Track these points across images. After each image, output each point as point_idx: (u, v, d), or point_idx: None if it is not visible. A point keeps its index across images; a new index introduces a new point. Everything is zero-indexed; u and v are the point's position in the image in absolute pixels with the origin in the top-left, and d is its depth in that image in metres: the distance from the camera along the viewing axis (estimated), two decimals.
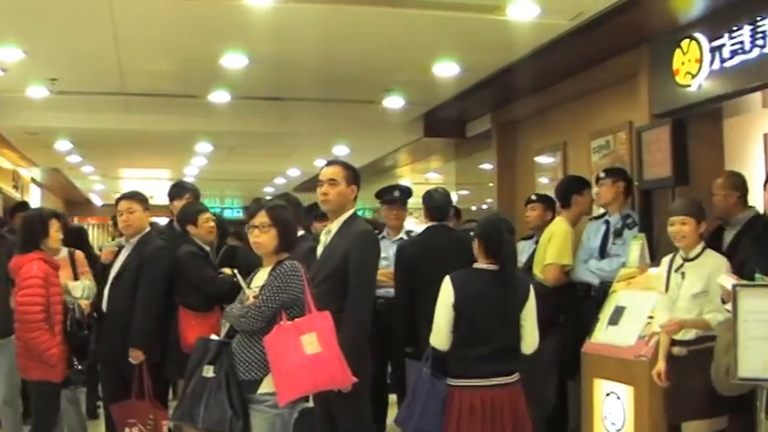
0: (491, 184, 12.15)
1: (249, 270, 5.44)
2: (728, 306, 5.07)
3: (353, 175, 6.16)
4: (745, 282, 4.82)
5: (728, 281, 5.06)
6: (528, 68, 9.01)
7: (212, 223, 7.47)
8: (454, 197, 16.04)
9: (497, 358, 5.41)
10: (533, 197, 8.86)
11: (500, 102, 11.21)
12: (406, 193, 8.28)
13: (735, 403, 5.27)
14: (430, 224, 7.52)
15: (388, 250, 8.07)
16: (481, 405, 5.32)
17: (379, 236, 8.17)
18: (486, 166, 13.16)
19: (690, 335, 5.76)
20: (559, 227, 7.99)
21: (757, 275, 5.00)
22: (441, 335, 5.48)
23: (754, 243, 5.52)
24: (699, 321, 5.62)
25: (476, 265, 5.61)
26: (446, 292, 5.48)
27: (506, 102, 11.10)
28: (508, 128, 11.65)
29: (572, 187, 8.17)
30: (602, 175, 7.89)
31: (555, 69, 9.20)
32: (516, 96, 10.68)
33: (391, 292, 7.66)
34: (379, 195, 8.28)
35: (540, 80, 9.70)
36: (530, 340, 5.52)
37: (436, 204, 7.56)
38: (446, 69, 9.34)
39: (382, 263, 7.91)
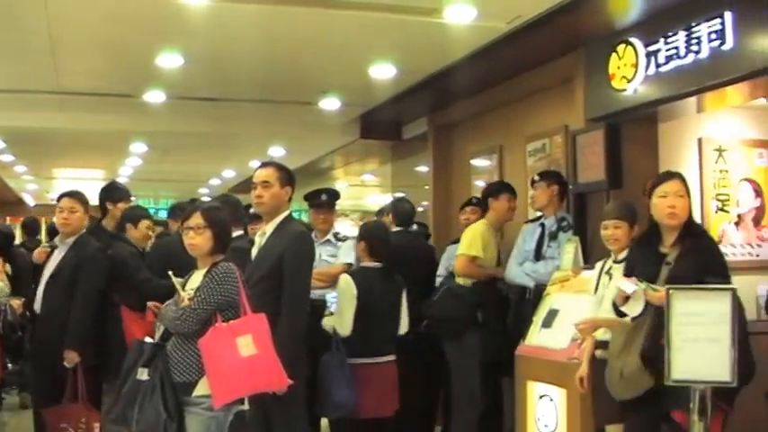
0: (427, 187, 12.15)
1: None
2: (627, 310, 5.13)
3: (287, 177, 6.12)
4: (678, 285, 4.83)
5: (629, 286, 5.09)
6: (465, 71, 9.00)
7: (150, 231, 7.46)
8: (389, 199, 16.08)
9: (388, 341, 7.03)
10: (474, 200, 8.94)
11: (437, 104, 11.20)
12: (334, 196, 8.34)
13: (628, 406, 5.31)
14: (396, 229, 8.63)
15: (317, 251, 8.07)
16: (377, 378, 6.82)
17: None
18: (422, 169, 13.17)
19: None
20: (474, 225, 8.15)
21: (641, 283, 5.06)
22: (347, 323, 6.81)
23: (638, 248, 5.58)
24: (614, 321, 5.56)
25: (363, 264, 7.10)
26: (349, 288, 6.90)
27: (443, 104, 11.09)
28: (444, 130, 11.65)
29: (490, 191, 8.30)
30: (536, 178, 7.93)
31: (492, 72, 9.20)
32: (453, 99, 10.67)
33: (317, 293, 7.70)
34: (307, 199, 8.34)
35: (476, 83, 9.70)
36: (402, 324, 7.15)
37: (404, 212, 8.88)
38: (383, 71, 9.31)
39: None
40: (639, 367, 5.09)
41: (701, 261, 5.06)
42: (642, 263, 5.28)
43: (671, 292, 4.72)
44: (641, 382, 5.09)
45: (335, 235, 8.29)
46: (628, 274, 5.26)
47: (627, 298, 5.08)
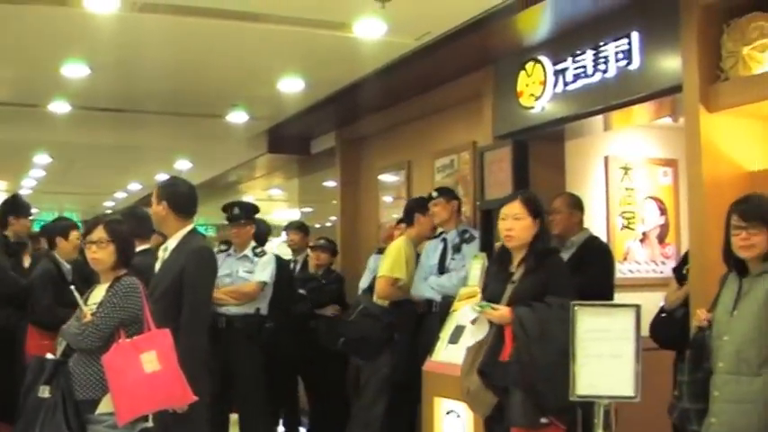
0: (335, 202, 12.10)
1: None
2: (473, 336, 5.21)
3: (164, 193, 6.06)
4: (583, 301, 4.86)
5: (469, 314, 5.22)
6: (374, 86, 8.98)
7: (78, 242, 7.30)
8: (297, 214, 16.01)
9: None
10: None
11: (345, 119, 11.17)
12: (247, 210, 8.21)
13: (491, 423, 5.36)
14: None
15: (233, 267, 7.96)
16: None
17: (226, 252, 8.08)
18: (330, 184, 13.12)
19: None
20: (396, 242, 8.03)
21: (481, 305, 5.17)
22: None
23: (491, 267, 5.74)
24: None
25: None
26: None
27: (351, 119, 11.06)
28: (352, 145, 11.62)
29: (416, 206, 8.20)
30: (435, 194, 7.89)
31: (401, 88, 9.20)
32: (361, 114, 10.65)
33: (232, 310, 7.60)
34: (223, 211, 8.22)
35: (385, 98, 9.69)
36: None
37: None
38: (291, 85, 9.25)
39: (226, 280, 7.83)
40: (480, 385, 5.21)
41: (542, 280, 5.16)
42: (493, 282, 5.41)
43: (576, 308, 4.75)
44: (485, 399, 5.22)
45: (254, 250, 8.18)
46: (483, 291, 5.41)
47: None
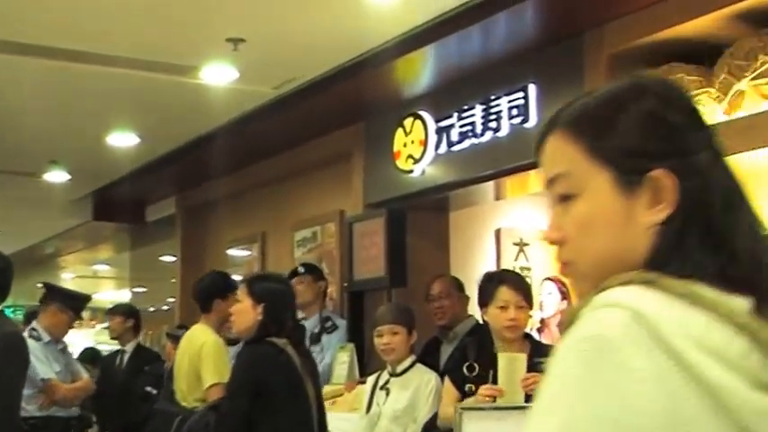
0: (173, 281, 11.94)
1: None
2: None
3: None
4: (469, 405, 4.81)
5: None
6: (222, 143, 8.91)
7: None
8: (127, 295, 15.77)
9: None
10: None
11: (187, 181, 11.08)
12: (54, 292, 8.15)
13: None
14: None
15: (59, 359, 7.86)
16: None
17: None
18: (169, 259, 13.00)
19: None
20: (208, 337, 7.58)
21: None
22: None
23: None
24: None
25: None
26: None
27: (195, 182, 10.97)
28: (196, 213, 11.53)
29: (215, 289, 7.81)
30: (301, 270, 7.82)
31: (255, 146, 9.15)
32: (207, 176, 10.55)
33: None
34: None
35: (236, 157, 9.60)
36: None
37: None
38: (123, 139, 9.14)
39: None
40: None
41: None
42: None
43: (461, 412, 4.68)
44: None
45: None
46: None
47: None
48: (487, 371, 4.94)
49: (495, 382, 4.81)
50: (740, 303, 1.41)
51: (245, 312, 5.32)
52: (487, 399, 4.70)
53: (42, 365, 7.69)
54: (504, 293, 5.14)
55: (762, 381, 1.35)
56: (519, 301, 5.17)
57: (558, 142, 1.60)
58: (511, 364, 4.78)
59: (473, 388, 4.95)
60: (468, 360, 5.19)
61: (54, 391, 7.76)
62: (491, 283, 5.25)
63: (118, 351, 9.70)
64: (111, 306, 10.31)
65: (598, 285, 1.46)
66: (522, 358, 4.86)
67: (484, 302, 5.20)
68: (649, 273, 1.44)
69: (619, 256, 1.52)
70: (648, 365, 1.32)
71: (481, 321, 5.59)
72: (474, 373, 5.08)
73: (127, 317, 9.76)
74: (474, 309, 7.03)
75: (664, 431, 1.30)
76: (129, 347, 9.67)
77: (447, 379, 5.31)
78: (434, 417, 5.37)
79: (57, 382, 7.73)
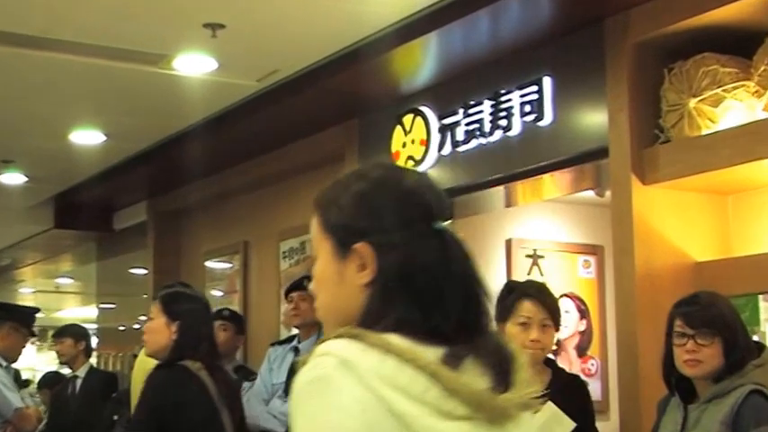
0: (145, 296, 11.92)
1: None
2: None
3: None
4: None
5: None
6: (200, 142, 8.91)
7: None
8: (93, 312, 15.77)
9: None
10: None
11: (160, 185, 11.09)
12: (6, 310, 8.28)
13: None
14: None
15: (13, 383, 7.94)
16: None
17: None
18: (140, 271, 12.99)
19: None
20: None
21: None
22: None
23: None
24: None
25: None
26: None
27: (169, 186, 10.97)
28: (170, 220, 11.54)
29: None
30: (305, 283, 7.80)
31: (236, 145, 9.15)
32: (183, 179, 10.54)
33: None
34: None
35: (215, 158, 9.60)
36: None
37: None
38: (87, 137, 9.14)
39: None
40: None
41: None
42: None
43: None
44: None
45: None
46: None
47: None
48: None
49: None
50: (431, 351, 2.02)
51: (158, 331, 5.31)
52: None
53: (12, 393, 7.73)
54: (527, 308, 5.02)
55: (442, 409, 1.97)
56: (544, 318, 5.03)
57: (312, 213, 2.28)
58: (554, 422, 4.72)
59: None
60: None
61: (27, 420, 7.76)
62: (511, 295, 5.08)
63: (69, 378, 9.72)
64: (58, 328, 10.32)
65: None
66: (568, 425, 4.80)
67: (502, 317, 5.00)
68: (355, 328, 2.04)
69: (341, 309, 2.16)
70: (353, 397, 1.95)
71: None
72: None
73: (77, 339, 9.75)
74: None
75: None
76: (82, 372, 9.66)
77: None
78: None
79: (29, 411, 7.73)
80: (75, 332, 9.91)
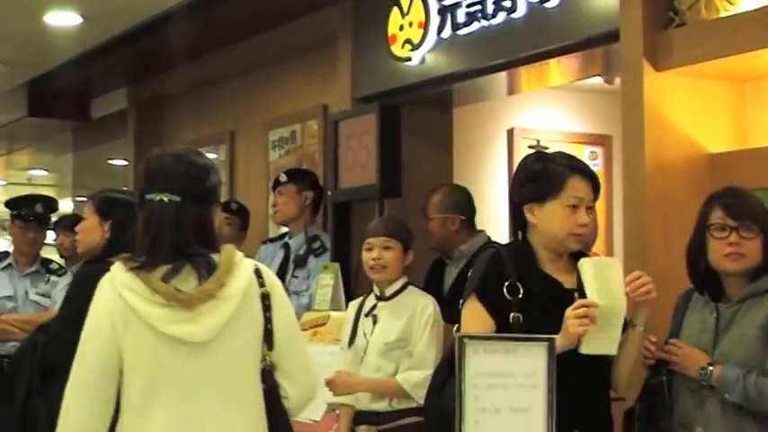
0: (126, 188, 11.93)
1: None
2: None
3: None
4: (472, 333, 4.72)
5: None
6: (184, 23, 8.85)
7: None
8: (69, 205, 15.77)
9: None
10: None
11: (141, 70, 11.10)
12: (50, 207, 8.43)
13: None
14: None
15: (17, 286, 8.12)
16: None
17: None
18: (119, 162, 13.00)
19: (381, 405, 5.82)
20: None
21: None
22: None
23: None
24: (381, 384, 5.72)
25: None
26: None
27: (150, 71, 10.97)
28: (151, 108, 11.56)
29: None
30: (283, 178, 7.81)
31: (223, 27, 9.15)
32: (165, 64, 10.52)
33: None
34: (12, 207, 8.38)
35: (201, 41, 9.58)
36: None
37: None
38: (62, 18, 9.09)
39: (8, 304, 8.02)
40: None
41: None
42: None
43: (464, 342, 4.57)
44: None
45: (45, 263, 8.24)
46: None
47: None
48: (533, 294, 4.44)
49: (545, 307, 4.45)
50: (161, 269, 3.74)
51: (90, 230, 5.60)
52: (585, 321, 4.24)
53: None
54: (577, 187, 4.46)
55: (154, 301, 3.68)
56: (591, 200, 4.53)
57: None
58: (603, 270, 4.54)
59: (520, 318, 4.40)
60: (508, 278, 4.44)
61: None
62: (559, 170, 4.48)
63: None
64: (57, 218, 10.32)
65: None
66: (615, 263, 4.52)
67: (538, 196, 4.47)
68: (123, 257, 3.83)
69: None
70: (107, 295, 3.78)
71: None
72: (518, 296, 4.41)
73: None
74: (483, 223, 7.03)
75: (108, 323, 3.74)
76: (76, 268, 9.71)
77: (475, 300, 4.53)
78: (450, 356, 4.49)
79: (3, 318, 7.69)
80: (74, 223, 9.99)
